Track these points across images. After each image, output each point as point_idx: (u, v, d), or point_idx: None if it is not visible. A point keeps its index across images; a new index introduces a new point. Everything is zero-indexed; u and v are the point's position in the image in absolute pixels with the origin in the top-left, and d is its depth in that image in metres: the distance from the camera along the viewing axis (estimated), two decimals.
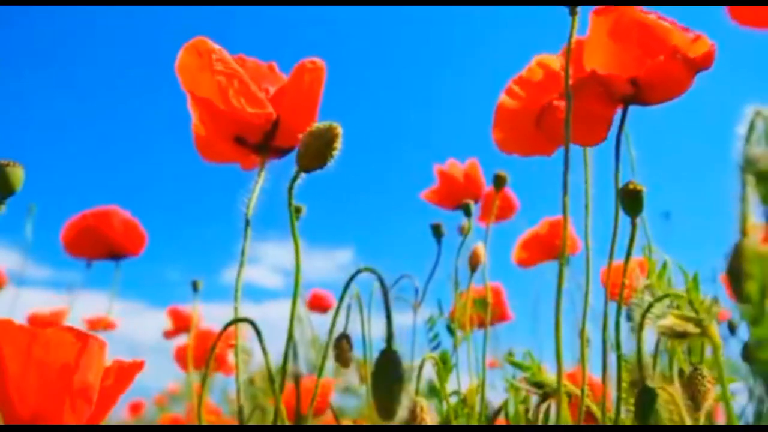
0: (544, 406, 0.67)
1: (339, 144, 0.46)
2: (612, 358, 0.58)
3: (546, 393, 0.66)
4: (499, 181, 0.86)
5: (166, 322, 1.60)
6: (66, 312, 1.57)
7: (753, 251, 0.23)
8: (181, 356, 1.49)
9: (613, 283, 0.72)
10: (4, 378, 0.43)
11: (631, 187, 0.54)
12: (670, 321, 0.45)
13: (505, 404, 0.72)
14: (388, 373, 0.36)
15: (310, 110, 0.58)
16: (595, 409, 0.60)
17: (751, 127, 0.24)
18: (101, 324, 1.41)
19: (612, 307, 0.56)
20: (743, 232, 0.24)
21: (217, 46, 0.55)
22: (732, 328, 1.06)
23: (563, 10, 0.54)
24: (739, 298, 0.24)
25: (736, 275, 0.23)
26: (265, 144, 0.58)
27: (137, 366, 0.47)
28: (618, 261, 0.57)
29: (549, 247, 1.22)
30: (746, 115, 0.25)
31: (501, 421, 0.72)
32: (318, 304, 1.70)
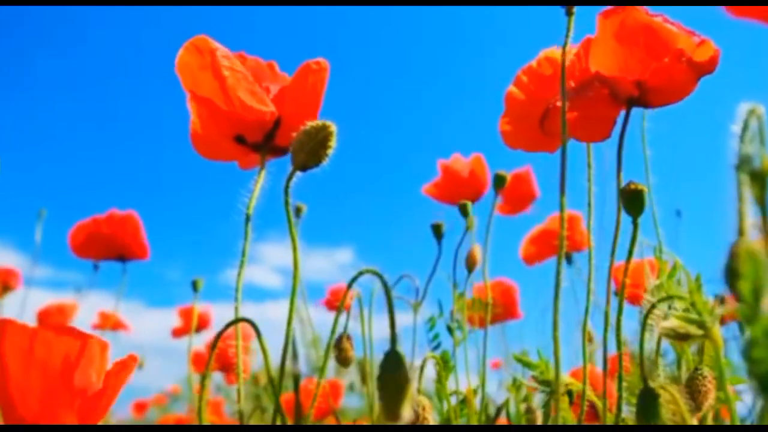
0: (552, 404, 0.66)
1: (333, 142, 0.46)
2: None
3: (554, 391, 0.65)
4: (499, 181, 0.86)
5: (167, 322, 1.61)
6: (74, 307, 1.58)
7: (747, 251, 0.23)
8: (195, 359, 1.48)
9: (620, 282, 0.72)
10: (6, 377, 0.43)
11: (632, 186, 0.53)
12: (673, 323, 0.45)
13: (506, 403, 0.72)
14: (393, 376, 0.35)
15: (311, 110, 0.58)
16: (598, 404, 0.60)
17: (745, 126, 0.24)
18: (110, 323, 1.41)
19: (614, 304, 0.56)
20: (740, 232, 0.24)
21: (218, 45, 0.55)
22: (742, 328, 1.05)
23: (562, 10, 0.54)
24: (735, 298, 0.24)
25: (731, 275, 0.23)
26: (265, 143, 0.58)
27: (131, 361, 0.46)
28: (622, 261, 0.56)
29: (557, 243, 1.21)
30: (740, 113, 0.25)
31: (502, 420, 0.71)
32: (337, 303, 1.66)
